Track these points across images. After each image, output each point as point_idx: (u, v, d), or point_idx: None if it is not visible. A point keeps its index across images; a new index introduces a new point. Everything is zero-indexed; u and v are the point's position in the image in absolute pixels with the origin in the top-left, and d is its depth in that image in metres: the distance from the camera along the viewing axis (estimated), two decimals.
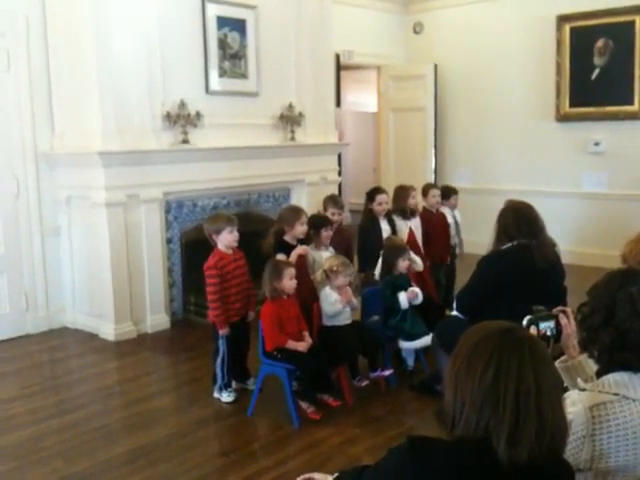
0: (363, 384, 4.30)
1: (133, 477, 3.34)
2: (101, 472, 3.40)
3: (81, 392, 4.46)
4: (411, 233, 5.32)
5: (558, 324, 2.25)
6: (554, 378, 1.56)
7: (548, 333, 2.23)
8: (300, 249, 4.38)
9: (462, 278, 4.20)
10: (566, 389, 2.04)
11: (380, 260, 4.70)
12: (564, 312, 2.28)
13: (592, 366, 2.06)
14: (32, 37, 5.47)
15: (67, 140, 5.55)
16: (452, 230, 5.83)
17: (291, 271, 3.99)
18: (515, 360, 1.47)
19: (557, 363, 2.17)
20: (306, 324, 4.11)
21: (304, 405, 3.96)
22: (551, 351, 2.21)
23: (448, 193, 5.89)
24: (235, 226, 4.23)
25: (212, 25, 5.95)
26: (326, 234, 4.65)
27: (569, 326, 2.24)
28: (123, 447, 3.65)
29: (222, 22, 6.02)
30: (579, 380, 1.99)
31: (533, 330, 2.21)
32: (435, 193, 5.67)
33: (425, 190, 5.72)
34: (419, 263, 4.73)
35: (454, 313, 3.94)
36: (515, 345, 1.50)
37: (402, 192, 5.45)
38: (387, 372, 4.34)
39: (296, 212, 4.59)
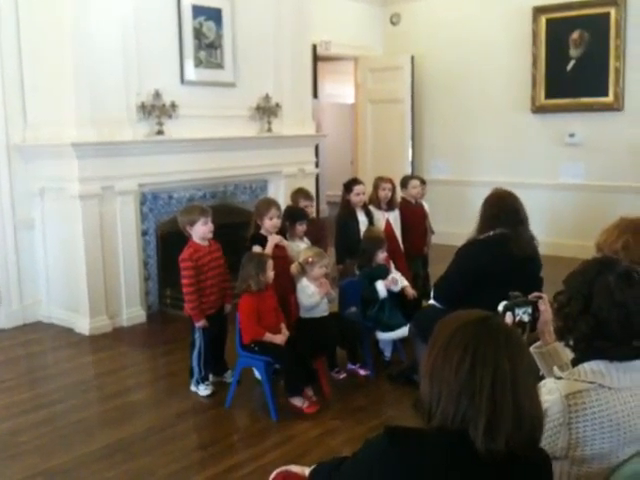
0: (341, 376, 4.32)
1: (111, 471, 3.31)
2: (79, 466, 3.36)
3: (57, 387, 4.41)
4: (388, 225, 5.33)
5: (536, 310, 2.26)
6: (530, 367, 1.57)
7: (525, 319, 2.24)
8: (275, 239, 4.34)
9: (438, 268, 4.21)
10: (542, 377, 2.05)
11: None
12: (540, 298, 2.30)
13: (567, 352, 2.07)
14: (3, 27, 5.37)
15: (40, 131, 5.47)
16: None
17: (271, 262, 3.99)
18: (491, 350, 1.47)
19: (532, 349, 2.19)
20: (284, 316, 4.10)
21: (298, 402, 3.89)
22: (526, 337, 2.23)
23: None
24: (209, 217, 4.18)
25: (187, 14, 5.89)
26: (301, 227, 4.63)
27: (547, 312, 2.25)
28: (100, 441, 3.62)
29: (197, 11, 5.96)
30: (555, 368, 2.00)
31: (509, 316, 2.21)
32: (415, 184, 5.68)
33: (404, 181, 5.72)
34: (399, 285, 4.56)
35: (431, 302, 3.95)
36: (491, 335, 1.50)
37: (375, 183, 5.46)
38: (363, 372, 4.37)
39: (266, 206, 4.45)
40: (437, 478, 1.47)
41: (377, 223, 5.26)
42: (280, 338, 3.90)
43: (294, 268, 4.27)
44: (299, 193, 5.18)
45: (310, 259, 4.16)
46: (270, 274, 3.94)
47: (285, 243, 4.44)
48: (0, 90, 5.39)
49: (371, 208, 5.33)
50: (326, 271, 4.25)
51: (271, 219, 4.38)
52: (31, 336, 5.43)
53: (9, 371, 4.69)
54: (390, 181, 5.45)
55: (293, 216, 4.66)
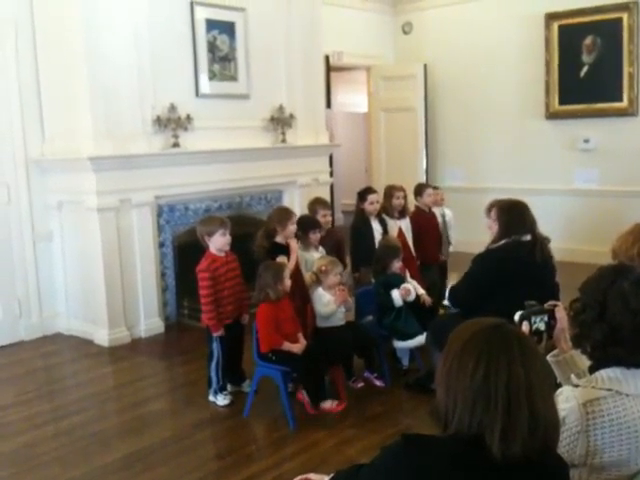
0: (359, 385, 4.33)
1: None
2: (98, 477, 3.40)
3: (76, 398, 4.45)
4: (400, 233, 5.33)
5: (552, 318, 2.26)
6: (544, 372, 1.57)
7: (542, 328, 2.24)
8: (295, 245, 4.41)
9: (454, 276, 4.21)
10: (559, 385, 2.05)
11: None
12: (556, 306, 2.30)
13: (584, 360, 2.07)
14: (21, 42, 5.45)
15: (57, 145, 5.54)
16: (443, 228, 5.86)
17: (287, 270, 4.04)
18: (504, 357, 1.47)
19: (549, 357, 2.18)
20: (300, 325, 4.11)
21: (327, 405, 3.94)
22: (544, 345, 2.23)
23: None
24: (228, 229, 4.23)
25: (201, 28, 5.95)
26: (314, 236, 4.66)
27: (563, 319, 2.25)
28: (119, 452, 3.65)
29: (211, 25, 6.03)
30: (572, 376, 2.00)
31: (525, 325, 2.21)
32: (431, 192, 5.70)
33: (419, 190, 5.72)
34: (413, 295, 4.53)
35: (445, 303, 3.98)
36: (503, 341, 1.51)
37: (388, 191, 5.48)
38: (378, 382, 4.37)
39: (287, 212, 4.61)
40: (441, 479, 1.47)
41: (390, 231, 5.27)
42: (298, 347, 3.92)
43: (308, 278, 4.30)
44: (317, 203, 5.21)
45: (324, 267, 4.19)
46: (287, 282, 3.97)
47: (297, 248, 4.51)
48: (18, 105, 5.47)
49: (383, 217, 5.35)
50: (341, 279, 4.27)
51: (293, 224, 4.49)
52: (50, 348, 5.48)
53: (29, 383, 4.74)
54: (402, 189, 5.47)
55: (305, 225, 4.68)
